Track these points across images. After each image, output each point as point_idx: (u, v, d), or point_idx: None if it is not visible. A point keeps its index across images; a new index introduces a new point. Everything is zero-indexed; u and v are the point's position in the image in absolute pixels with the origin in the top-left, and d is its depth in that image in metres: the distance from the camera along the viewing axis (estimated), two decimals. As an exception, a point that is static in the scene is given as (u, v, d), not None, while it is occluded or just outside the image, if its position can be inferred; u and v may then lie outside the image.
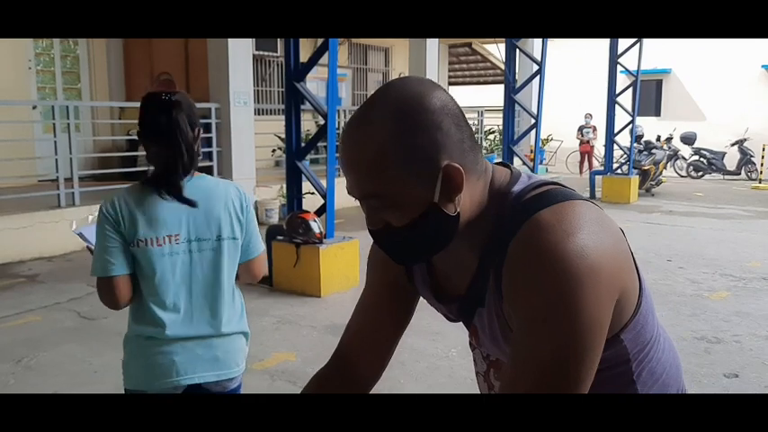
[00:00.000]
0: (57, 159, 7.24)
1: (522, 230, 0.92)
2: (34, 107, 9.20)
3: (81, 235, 2.06)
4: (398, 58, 15.11)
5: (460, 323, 1.15)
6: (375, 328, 1.22)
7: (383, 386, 1.29)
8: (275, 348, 4.25)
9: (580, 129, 15.75)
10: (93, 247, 1.92)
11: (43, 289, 5.67)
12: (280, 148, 10.61)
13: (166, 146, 1.87)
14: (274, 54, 12.18)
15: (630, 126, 11.81)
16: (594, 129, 15.37)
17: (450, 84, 18.57)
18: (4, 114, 7.86)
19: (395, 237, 0.99)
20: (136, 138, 10.63)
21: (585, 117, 15.68)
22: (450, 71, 18.42)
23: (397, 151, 0.92)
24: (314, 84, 9.01)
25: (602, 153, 12.82)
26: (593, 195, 11.58)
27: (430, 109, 0.92)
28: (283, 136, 10.46)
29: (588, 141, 15.58)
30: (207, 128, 8.63)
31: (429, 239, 0.98)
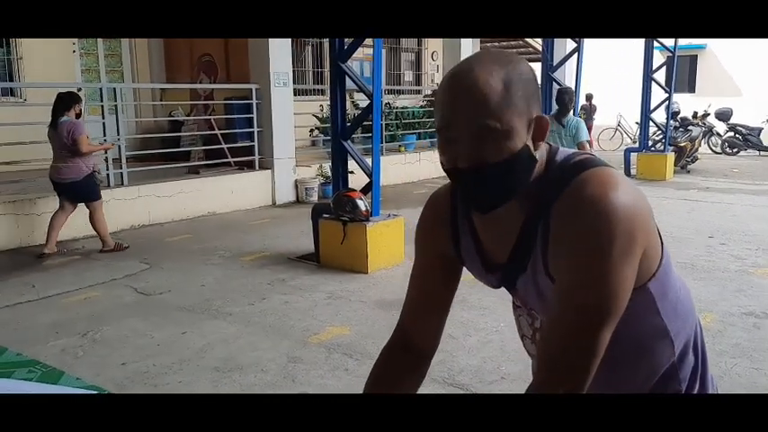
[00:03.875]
0: (105, 140, 7.39)
1: (572, 185, 1.07)
2: (80, 89, 9.35)
3: None
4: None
5: (506, 294, 1.30)
6: (428, 298, 1.33)
7: (437, 358, 1.38)
8: (329, 322, 4.38)
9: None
10: None
11: (99, 266, 5.85)
12: (318, 128, 10.67)
13: None
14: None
15: (666, 103, 11.68)
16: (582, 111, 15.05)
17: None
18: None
19: (483, 173, 1.07)
20: (178, 119, 10.73)
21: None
22: (481, 47, 18.32)
23: (518, 88, 1.06)
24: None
25: (635, 130, 12.66)
26: (627, 173, 11.50)
27: (529, 67, 1.11)
28: (320, 116, 10.59)
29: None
30: (248, 108, 8.77)
31: (511, 179, 1.09)
